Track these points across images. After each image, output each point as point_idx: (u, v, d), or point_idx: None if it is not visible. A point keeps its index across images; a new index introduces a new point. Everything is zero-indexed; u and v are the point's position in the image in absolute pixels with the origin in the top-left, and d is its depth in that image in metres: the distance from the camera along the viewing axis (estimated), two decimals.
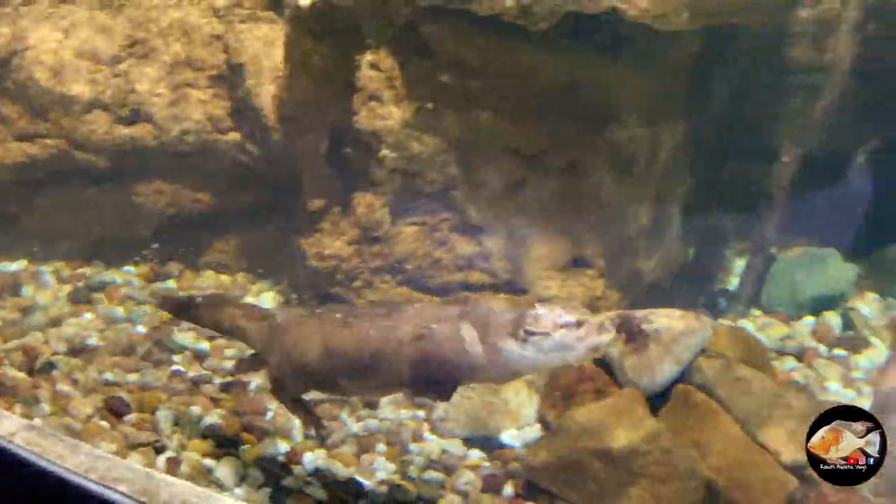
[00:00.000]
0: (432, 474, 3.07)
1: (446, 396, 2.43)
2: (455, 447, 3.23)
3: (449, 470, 3.09)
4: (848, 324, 4.06)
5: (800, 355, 3.82)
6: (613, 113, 3.70)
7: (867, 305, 4.17)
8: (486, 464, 3.15)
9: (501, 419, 3.34)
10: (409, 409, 3.40)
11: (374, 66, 3.50)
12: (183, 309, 3.04)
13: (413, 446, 3.21)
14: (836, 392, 3.57)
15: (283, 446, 3.11)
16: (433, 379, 2.38)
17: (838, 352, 3.86)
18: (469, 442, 3.26)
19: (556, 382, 3.32)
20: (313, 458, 3.08)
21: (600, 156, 3.75)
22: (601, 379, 3.24)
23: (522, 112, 3.62)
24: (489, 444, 3.25)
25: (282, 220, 3.92)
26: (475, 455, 3.20)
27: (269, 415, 3.25)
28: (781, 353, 3.85)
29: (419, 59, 3.51)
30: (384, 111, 3.53)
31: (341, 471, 3.03)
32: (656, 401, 3.09)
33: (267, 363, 2.73)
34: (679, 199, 4.10)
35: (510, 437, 3.28)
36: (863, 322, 4.04)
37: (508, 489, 3.01)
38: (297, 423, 3.19)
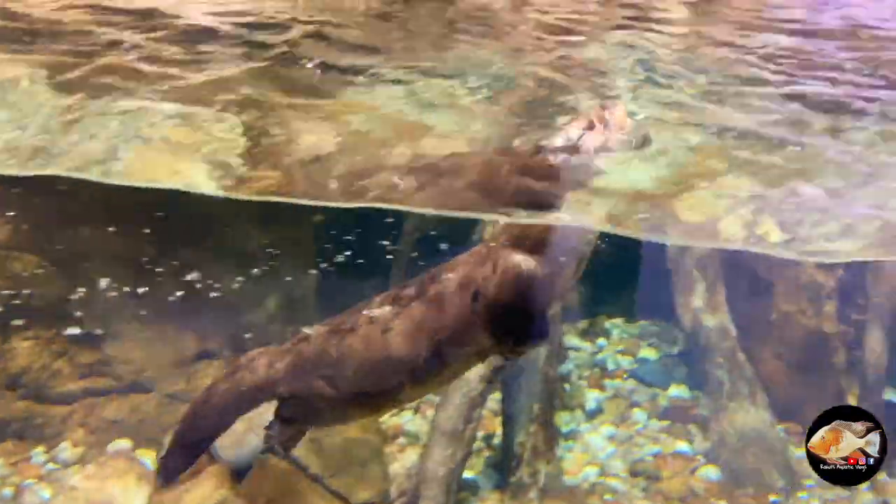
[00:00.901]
0: None
1: (544, 337, 2.30)
2: None
3: None
4: None
5: (417, 408, 4.39)
6: (221, 219, 4.16)
7: None
8: None
9: None
10: None
11: None
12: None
13: None
14: None
15: None
16: (518, 326, 2.17)
17: None
18: None
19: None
20: None
21: (213, 257, 4.17)
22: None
23: (126, 226, 3.95)
24: None
25: None
26: None
27: None
28: (402, 408, 4.41)
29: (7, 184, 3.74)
30: None
31: None
32: (246, 470, 3.42)
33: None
34: (312, 283, 4.60)
35: None
36: None
37: None
38: None
